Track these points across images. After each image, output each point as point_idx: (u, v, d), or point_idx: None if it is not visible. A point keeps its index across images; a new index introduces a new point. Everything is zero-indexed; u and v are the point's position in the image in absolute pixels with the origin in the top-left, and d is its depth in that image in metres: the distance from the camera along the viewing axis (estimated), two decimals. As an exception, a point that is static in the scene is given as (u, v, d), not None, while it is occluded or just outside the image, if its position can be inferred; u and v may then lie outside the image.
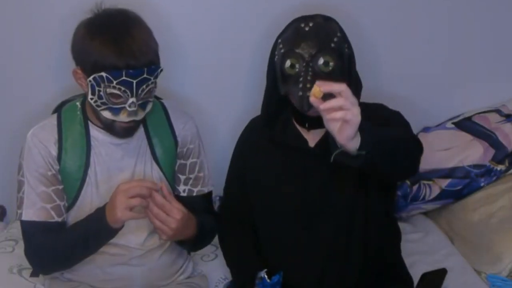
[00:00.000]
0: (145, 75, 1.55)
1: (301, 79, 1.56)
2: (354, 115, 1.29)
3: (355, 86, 1.63)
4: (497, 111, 2.38)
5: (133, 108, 1.57)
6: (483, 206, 2.20)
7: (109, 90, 1.55)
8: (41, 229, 1.66)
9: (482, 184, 2.26)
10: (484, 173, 2.25)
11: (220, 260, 1.99)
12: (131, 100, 1.56)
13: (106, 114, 1.59)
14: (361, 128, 1.33)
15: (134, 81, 1.54)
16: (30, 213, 1.66)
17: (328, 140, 1.50)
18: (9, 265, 1.89)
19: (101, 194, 1.69)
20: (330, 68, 1.57)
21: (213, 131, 2.22)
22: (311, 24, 1.61)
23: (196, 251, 1.96)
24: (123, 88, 1.54)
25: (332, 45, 1.59)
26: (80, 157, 1.67)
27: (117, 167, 1.70)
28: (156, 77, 1.59)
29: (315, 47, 1.58)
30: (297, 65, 1.58)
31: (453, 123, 2.38)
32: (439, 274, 1.83)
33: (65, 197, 1.69)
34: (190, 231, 1.68)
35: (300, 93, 1.56)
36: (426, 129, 2.40)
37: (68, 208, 1.70)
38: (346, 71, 1.62)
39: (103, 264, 1.73)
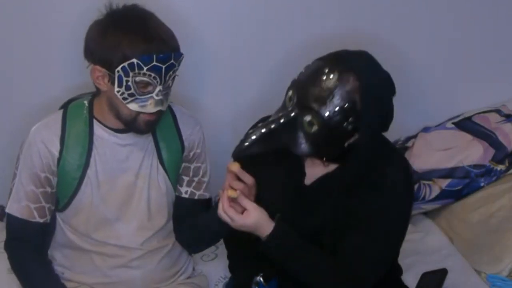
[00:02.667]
0: (172, 61, 1.54)
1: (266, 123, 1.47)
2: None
3: (350, 161, 1.50)
4: (497, 111, 2.39)
5: (160, 97, 1.56)
6: (483, 206, 2.20)
7: (138, 78, 1.53)
8: (21, 226, 1.68)
9: (482, 184, 2.26)
10: (484, 173, 2.25)
11: (220, 260, 1.99)
12: (158, 88, 1.55)
13: (133, 107, 1.56)
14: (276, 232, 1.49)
15: (164, 66, 1.53)
16: (14, 208, 1.68)
17: (326, 180, 1.54)
18: (8, 265, 1.89)
19: (102, 194, 1.69)
20: (312, 131, 1.46)
21: (216, 135, 2.20)
22: (331, 77, 1.44)
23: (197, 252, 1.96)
24: (153, 75, 1.52)
25: (327, 113, 1.43)
26: (81, 157, 1.66)
27: (121, 168, 1.69)
28: (179, 64, 1.58)
29: (313, 102, 1.44)
30: (291, 101, 1.48)
31: (453, 123, 2.38)
32: (439, 274, 1.84)
33: (58, 197, 1.70)
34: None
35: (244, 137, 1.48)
36: (426, 129, 2.40)
37: (64, 207, 1.70)
38: (336, 142, 1.49)
39: (103, 266, 1.73)
